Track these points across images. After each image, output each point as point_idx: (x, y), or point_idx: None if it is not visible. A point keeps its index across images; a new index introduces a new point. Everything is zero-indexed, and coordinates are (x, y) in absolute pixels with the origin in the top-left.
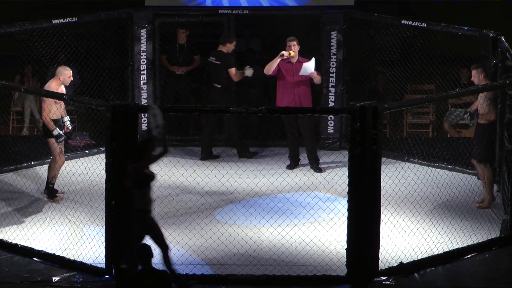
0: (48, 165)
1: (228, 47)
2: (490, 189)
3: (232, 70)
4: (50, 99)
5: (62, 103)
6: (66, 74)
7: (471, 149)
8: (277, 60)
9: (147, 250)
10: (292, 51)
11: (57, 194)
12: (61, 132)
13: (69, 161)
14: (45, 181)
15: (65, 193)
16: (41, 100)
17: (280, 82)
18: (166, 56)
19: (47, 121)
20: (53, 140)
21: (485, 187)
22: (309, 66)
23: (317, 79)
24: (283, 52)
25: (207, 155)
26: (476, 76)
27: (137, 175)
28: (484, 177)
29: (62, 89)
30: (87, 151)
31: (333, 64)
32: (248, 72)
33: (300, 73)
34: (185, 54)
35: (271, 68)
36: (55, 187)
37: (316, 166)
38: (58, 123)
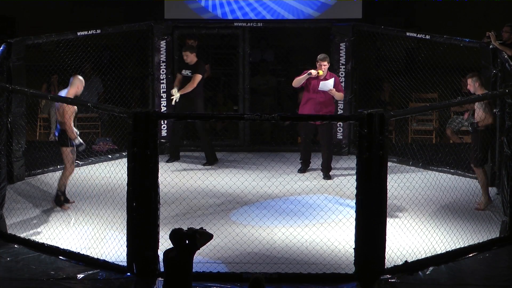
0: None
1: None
2: (485, 192)
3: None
4: (69, 107)
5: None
6: (80, 85)
7: (469, 154)
8: (305, 77)
9: (178, 233)
10: (322, 70)
11: (67, 203)
12: (81, 141)
13: (93, 165)
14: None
15: (74, 202)
16: (58, 108)
17: (305, 94)
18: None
19: (70, 130)
20: (67, 149)
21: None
22: (327, 84)
23: (337, 95)
24: (312, 71)
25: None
26: (472, 85)
27: None
28: (479, 180)
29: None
30: (109, 156)
31: (342, 74)
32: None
33: (319, 88)
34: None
35: (298, 84)
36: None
37: (326, 174)
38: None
